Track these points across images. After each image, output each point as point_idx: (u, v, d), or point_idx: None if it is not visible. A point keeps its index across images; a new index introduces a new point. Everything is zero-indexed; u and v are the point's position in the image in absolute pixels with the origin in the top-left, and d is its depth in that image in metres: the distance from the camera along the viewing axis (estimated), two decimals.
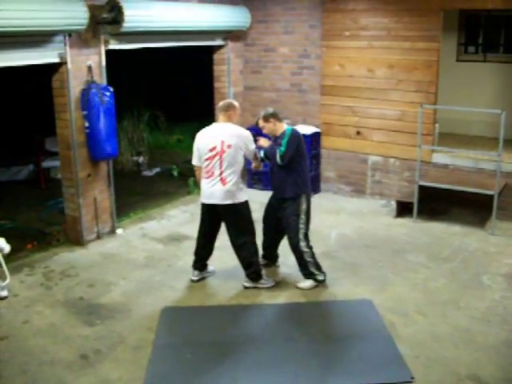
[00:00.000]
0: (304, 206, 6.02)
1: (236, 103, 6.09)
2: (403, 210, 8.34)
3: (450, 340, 5.14)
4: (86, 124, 7.00)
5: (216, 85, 9.76)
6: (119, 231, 7.81)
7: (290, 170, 5.95)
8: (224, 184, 5.78)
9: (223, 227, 6.13)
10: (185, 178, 9.95)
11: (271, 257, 6.64)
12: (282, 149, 5.84)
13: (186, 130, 11.97)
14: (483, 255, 6.98)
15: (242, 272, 6.19)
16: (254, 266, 6.10)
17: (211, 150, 5.78)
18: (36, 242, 7.39)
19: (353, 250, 7.15)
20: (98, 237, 7.55)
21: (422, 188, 8.01)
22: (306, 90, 9.45)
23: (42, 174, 10.11)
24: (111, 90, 7.13)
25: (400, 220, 8.20)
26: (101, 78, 7.24)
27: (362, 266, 6.69)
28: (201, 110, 11.36)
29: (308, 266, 6.09)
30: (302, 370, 4.73)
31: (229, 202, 5.82)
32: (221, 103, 6.08)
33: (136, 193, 9.67)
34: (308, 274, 6.13)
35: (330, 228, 7.86)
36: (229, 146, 5.75)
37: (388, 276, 6.43)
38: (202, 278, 6.36)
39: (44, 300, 5.94)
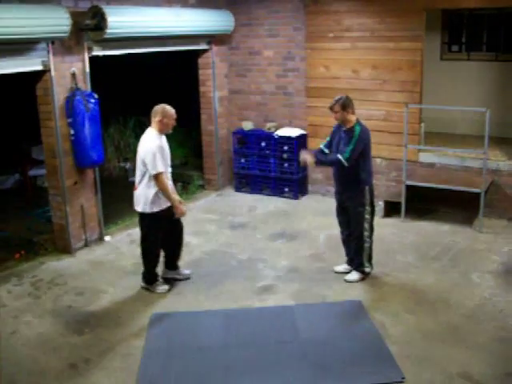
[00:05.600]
0: (368, 197, 6.16)
1: (166, 110, 6.01)
2: (391, 209, 8.36)
3: (440, 339, 5.15)
4: (72, 131, 6.96)
5: (201, 89, 9.75)
6: (107, 238, 7.77)
7: (355, 167, 6.02)
8: (136, 190, 6.01)
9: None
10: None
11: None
12: (348, 150, 5.91)
13: (172, 134, 11.88)
14: (471, 253, 7.01)
15: (230, 277, 6.20)
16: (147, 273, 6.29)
17: None
18: (24, 251, 7.32)
19: (341, 252, 7.10)
20: (86, 244, 7.51)
21: (409, 187, 8.03)
22: (292, 92, 9.46)
23: (28, 183, 10.05)
24: (96, 96, 7.09)
25: (388, 220, 8.22)
26: (85, 85, 7.21)
27: None
28: (187, 114, 11.32)
29: (363, 255, 6.24)
30: (293, 373, 4.73)
31: (136, 207, 6.05)
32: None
33: (123, 199, 9.53)
34: (358, 265, 6.29)
35: (318, 230, 7.85)
36: (138, 153, 6.00)
37: (377, 276, 6.44)
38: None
39: (32, 310, 5.89)
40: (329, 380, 4.65)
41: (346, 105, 5.96)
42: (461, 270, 6.52)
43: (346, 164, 5.92)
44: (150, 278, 6.24)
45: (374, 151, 8.75)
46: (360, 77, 8.75)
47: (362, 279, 6.31)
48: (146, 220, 6.02)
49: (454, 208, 8.25)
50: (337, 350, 5.05)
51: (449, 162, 8.38)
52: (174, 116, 5.96)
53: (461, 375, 4.62)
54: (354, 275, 6.33)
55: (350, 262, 6.47)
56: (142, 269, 6.25)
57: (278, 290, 6.20)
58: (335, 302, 5.92)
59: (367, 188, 6.16)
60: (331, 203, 9.11)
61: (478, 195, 7.57)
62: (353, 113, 6.04)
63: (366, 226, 6.22)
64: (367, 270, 6.34)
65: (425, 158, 8.53)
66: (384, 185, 8.90)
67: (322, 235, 7.68)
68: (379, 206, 8.44)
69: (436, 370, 4.70)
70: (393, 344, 5.06)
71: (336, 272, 6.48)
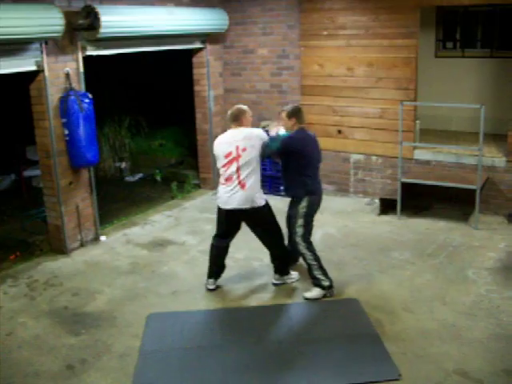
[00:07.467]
0: (304, 210, 5.91)
1: (244, 107, 5.96)
2: (387, 207, 8.36)
3: (436, 336, 5.15)
4: (66, 132, 6.93)
5: (196, 88, 9.73)
6: (103, 238, 7.75)
7: (297, 172, 5.88)
8: (243, 188, 5.74)
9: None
10: (168, 183, 9.92)
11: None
12: (274, 145, 5.82)
13: (168, 134, 11.91)
14: (467, 250, 7.01)
15: (226, 276, 6.19)
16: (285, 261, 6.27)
17: (227, 157, 5.76)
18: (19, 252, 7.31)
19: (338, 249, 7.14)
20: (82, 245, 7.49)
21: (404, 185, 8.04)
22: (286, 90, 9.46)
23: (23, 184, 10.03)
24: (90, 96, 7.06)
25: (384, 217, 8.22)
26: (79, 85, 7.19)
27: (348, 265, 6.69)
28: (182, 114, 11.32)
29: (312, 269, 5.92)
30: (289, 372, 4.72)
31: (247, 206, 5.79)
32: (228, 113, 5.96)
33: (119, 199, 9.61)
34: (314, 279, 5.94)
35: (314, 228, 7.81)
36: (244, 150, 5.72)
37: (374, 274, 6.44)
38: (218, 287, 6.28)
39: (28, 311, 5.87)
40: (325, 378, 4.64)
41: (291, 114, 5.90)
42: (457, 267, 6.52)
43: (266, 152, 5.83)
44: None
45: (369, 148, 8.86)
46: (355, 74, 8.75)
47: (324, 295, 5.91)
48: (265, 211, 5.99)
49: (449, 205, 8.26)
50: (333, 348, 5.04)
51: (444, 159, 8.39)
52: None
53: (457, 372, 4.62)
54: (314, 292, 5.93)
55: None
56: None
57: (275, 288, 6.19)
58: (332, 300, 5.90)
59: (306, 199, 5.89)
60: (327, 201, 9.11)
61: (473, 192, 7.57)
62: (297, 123, 5.90)
63: (299, 239, 5.92)
64: (326, 283, 5.90)
65: (420, 155, 8.53)
66: (379, 182, 8.92)
67: (317, 234, 7.64)
68: (376, 203, 8.45)
69: (432, 367, 4.70)
70: (389, 341, 5.06)
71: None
